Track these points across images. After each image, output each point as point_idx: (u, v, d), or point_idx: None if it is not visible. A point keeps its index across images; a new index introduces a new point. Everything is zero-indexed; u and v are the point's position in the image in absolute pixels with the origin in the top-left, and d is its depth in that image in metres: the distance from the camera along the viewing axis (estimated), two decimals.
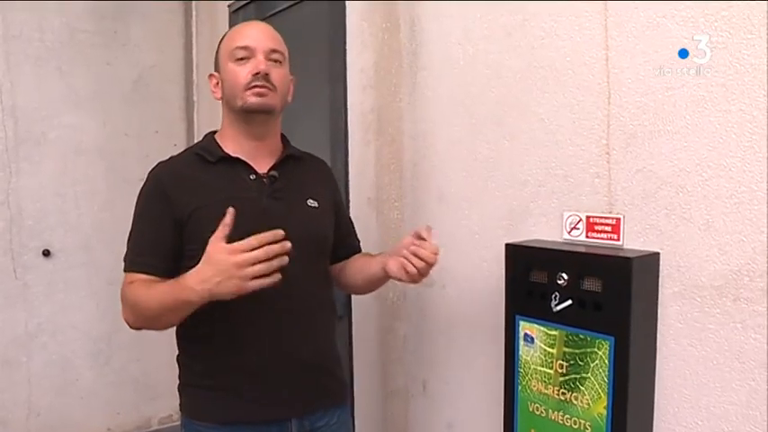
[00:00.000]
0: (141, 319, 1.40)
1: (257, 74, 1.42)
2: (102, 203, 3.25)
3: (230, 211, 1.26)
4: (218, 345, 1.42)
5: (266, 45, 1.46)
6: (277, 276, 1.24)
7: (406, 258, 1.38)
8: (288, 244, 1.23)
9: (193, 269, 1.27)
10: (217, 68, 1.53)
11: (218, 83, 1.51)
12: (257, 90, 1.43)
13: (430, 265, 1.38)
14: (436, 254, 1.38)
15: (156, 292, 1.35)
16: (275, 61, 1.47)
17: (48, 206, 3.14)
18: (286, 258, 1.23)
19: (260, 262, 1.21)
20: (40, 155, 3.11)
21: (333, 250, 1.62)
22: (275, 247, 1.22)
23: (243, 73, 1.43)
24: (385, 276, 1.50)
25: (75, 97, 3.19)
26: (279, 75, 1.47)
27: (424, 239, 1.39)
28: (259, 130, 1.49)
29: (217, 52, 1.53)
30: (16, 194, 3.06)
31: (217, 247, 1.23)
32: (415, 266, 1.37)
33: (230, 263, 1.21)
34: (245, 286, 1.22)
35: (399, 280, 1.43)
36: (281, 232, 1.22)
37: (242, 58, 1.44)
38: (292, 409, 1.47)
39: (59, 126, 3.15)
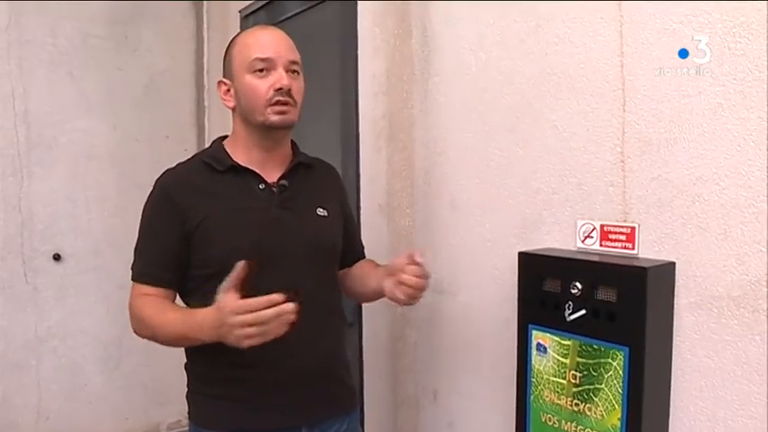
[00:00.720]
0: (149, 337, 1.43)
1: (280, 89, 1.40)
2: (112, 208, 3.25)
3: (240, 264, 1.27)
4: (227, 353, 1.41)
5: (286, 57, 1.43)
6: (258, 342, 1.24)
7: (398, 284, 1.40)
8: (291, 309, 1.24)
9: (207, 310, 1.29)
10: (228, 75, 1.49)
11: (228, 90, 1.48)
12: (280, 108, 1.41)
13: (419, 289, 1.39)
14: (422, 277, 1.38)
15: (169, 321, 1.38)
16: (293, 72, 1.45)
17: (59, 211, 3.14)
18: (283, 330, 1.24)
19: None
20: (52, 159, 3.12)
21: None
22: (268, 313, 1.21)
23: (263, 87, 1.40)
24: (383, 293, 1.50)
25: (86, 102, 3.20)
26: (298, 87, 1.45)
27: (415, 263, 1.39)
28: (274, 143, 1.49)
29: (228, 58, 1.50)
30: (28, 199, 3.06)
31: (225, 300, 1.25)
32: (406, 293, 1.39)
33: (229, 322, 1.23)
34: (242, 343, 1.24)
35: (394, 302, 1.45)
36: (289, 306, 1.23)
37: (261, 70, 1.41)
38: (302, 417, 1.46)
39: (71, 131, 3.16)
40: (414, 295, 1.39)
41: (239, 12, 3.10)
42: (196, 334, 1.32)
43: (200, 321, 1.30)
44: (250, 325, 1.21)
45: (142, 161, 3.28)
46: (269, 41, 1.44)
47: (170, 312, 1.39)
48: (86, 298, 3.23)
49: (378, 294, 1.54)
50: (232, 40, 1.52)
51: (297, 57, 1.47)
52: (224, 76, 1.51)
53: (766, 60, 1.10)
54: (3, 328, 3.04)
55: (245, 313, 1.21)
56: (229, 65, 1.48)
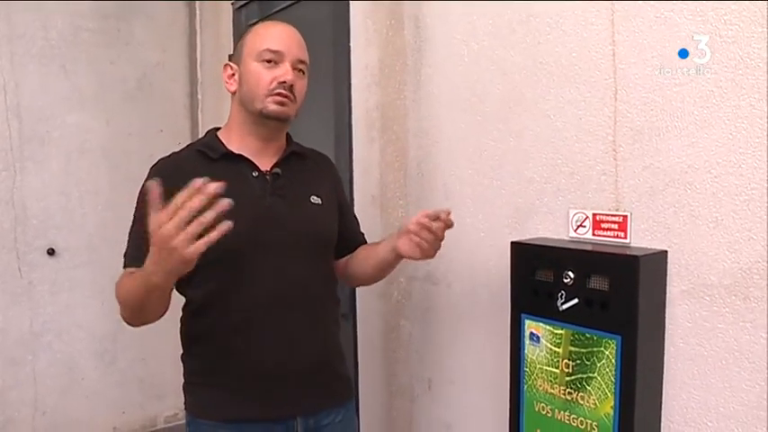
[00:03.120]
0: (130, 313, 1.36)
1: (283, 83, 1.41)
2: (105, 202, 3.24)
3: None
4: (222, 343, 1.42)
5: (296, 54, 1.45)
6: (225, 224, 1.09)
7: (416, 234, 1.38)
8: (224, 202, 1.09)
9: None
10: (236, 60, 1.50)
11: (233, 74, 1.49)
12: (279, 99, 1.41)
13: (439, 238, 1.38)
14: (447, 226, 1.37)
15: (131, 281, 1.30)
16: (300, 71, 1.46)
17: (52, 205, 3.14)
18: (224, 204, 1.08)
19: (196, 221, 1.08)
20: (45, 154, 3.11)
21: (338, 246, 1.61)
22: (193, 203, 1.08)
23: (268, 77, 1.42)
24: (395, 259, 1.49)
25: (79, 96, 3.19)
26: (301, 86, 1.47)
27: (440, 220, 1.38)
28: (269, 134, 1.49)
29: (240, 44, 1.51)
30: (21, 193, 3.06)
31: (150, 223, 1.11)
32: (426, 241, 1.37)
33: (161, 238, 1.10)
34: (189, 252, 1.09)
35: (412, 258, 1.43)
36: (197, 184, 1.08)
37: (269, 61, 1.42)
38: (298, 407, 1.46)
39: (63, 125, 3.15)
40: (434, 245, 1.39)
41: (232, 4, 3.09)
42: (152, 280, 1.18)
43: (147, 266, 1.17)
44: (187, 223, 1.07)
45: (135, 155, 3.27)
46: (282, 36, 1.46)
47: (133, 275, 1.29)
48: (81, 292, 3.23)
49: (387, 263, 1.53)
50: (248, 28, 1.54)
51: (305, 57, 1.48)
52: (231, 60, 1.52)
53: (761, 48, 1.10)
54: None
55: (173, 214, 1.08)
56: (240, 50, 1.50)
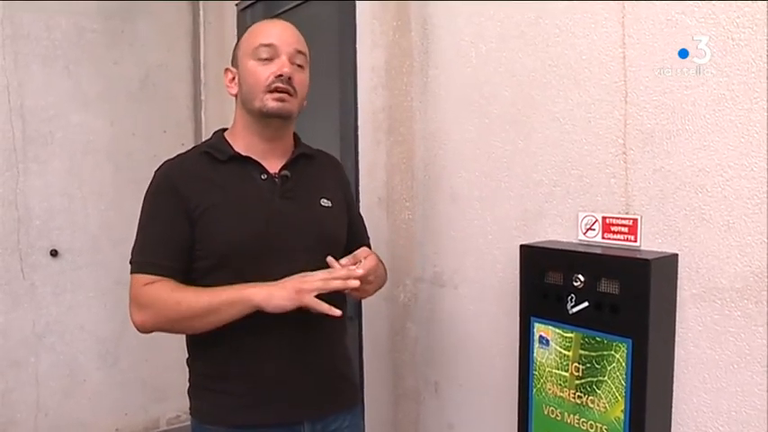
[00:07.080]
0: (165, 321, 1.37)
1: (280, 76, 1.39)
2: (109, 203, 3.24)
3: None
4: (229, 348, 1.40)
5: (291, 46, 1.43)
6: (337, 311, 1.34)
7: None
8: (355, 283, 1.36)
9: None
10: (234, 63, 1.49)
11: (234, 78, 1.48)
12: (278, 95, 1.40)
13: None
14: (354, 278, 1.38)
15: (200, 292, 1.35)
16: (299, 65, 1.44)
17: (55, 206, 3.13)
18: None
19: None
20: (48, 154, 3.10)
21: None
22: (336, 283, 1.34)
23: (265, 73, 1.40)
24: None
25: (82, 97, 3.18)
26: (301, 79, 1.44)
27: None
28: (273, 133, 1.47)
29: (236, 47, 1.50)
30: (24, 194, 3.05)
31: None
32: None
33: (297, 278, 1.33)
34: (302, 297, 1.30)
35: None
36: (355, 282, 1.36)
37: (265, 58, 1.41)
38: (305, 413, 1.45)
39: (67, 126, 3.14)
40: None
41: (236, 5, 3.08)
42: (250, 294, 1.32)
43: (253, 285, 1.33)
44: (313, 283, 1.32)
45: (139, 156, 3.26)
46: (275, 30, 1.45)
47: (193, 288, 1.37)
48: (84, 294, 3.22)
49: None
50: (244, 32, 1.53)
51: (303, 49, 1.47)
52: (231, 65, 1.51)
53: None
54: (0, 325, 3.03)
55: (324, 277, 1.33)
56: (236, 52, 1.49)
